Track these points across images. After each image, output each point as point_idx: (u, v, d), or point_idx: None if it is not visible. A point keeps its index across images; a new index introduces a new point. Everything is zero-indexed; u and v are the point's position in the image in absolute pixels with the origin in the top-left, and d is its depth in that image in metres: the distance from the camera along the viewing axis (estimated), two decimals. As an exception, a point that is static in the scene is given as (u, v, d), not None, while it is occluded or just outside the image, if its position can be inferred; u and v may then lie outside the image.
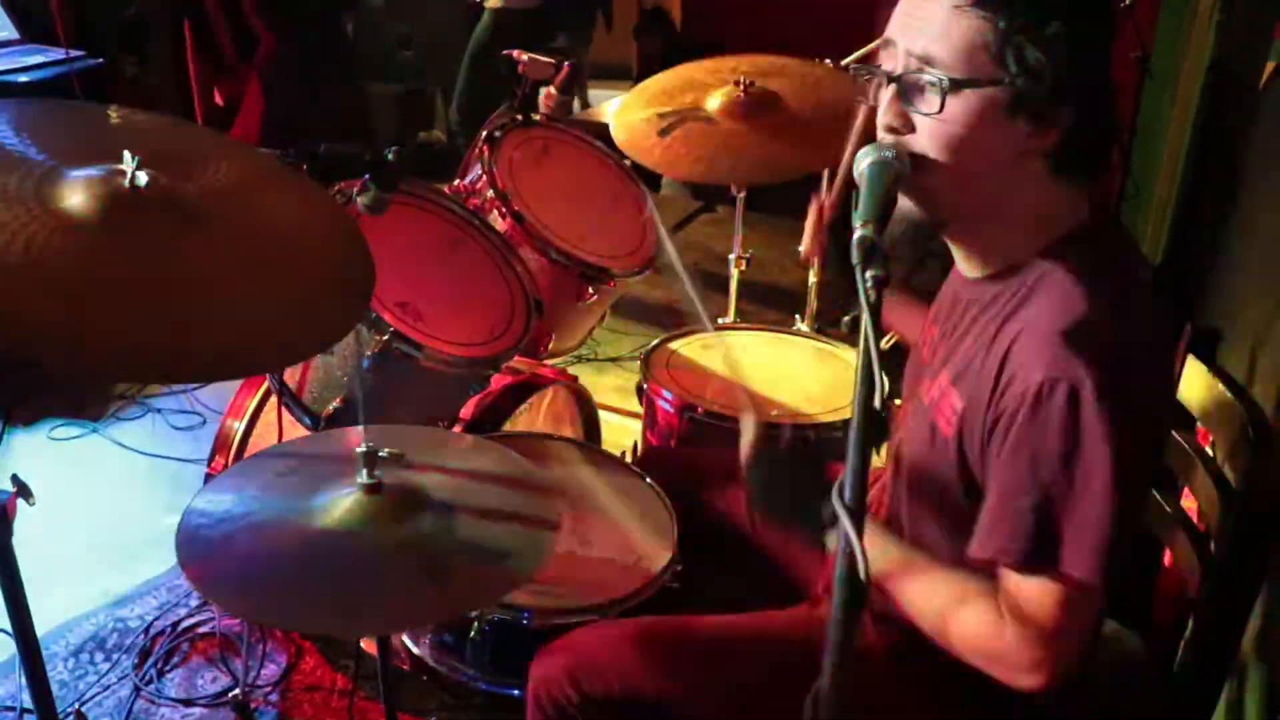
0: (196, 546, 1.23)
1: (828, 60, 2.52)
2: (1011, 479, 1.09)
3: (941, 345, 1.27)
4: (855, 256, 0.89)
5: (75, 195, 1.10)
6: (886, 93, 1.12)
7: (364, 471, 1.28)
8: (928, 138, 1.10)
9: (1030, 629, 1.09)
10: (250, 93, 3.38)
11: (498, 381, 2.09)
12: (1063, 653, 1.09)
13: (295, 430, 1.88)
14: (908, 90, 1.11)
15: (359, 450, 1.28)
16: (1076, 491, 1.05)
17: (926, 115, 1.09)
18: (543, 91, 2.44)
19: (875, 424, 0.84)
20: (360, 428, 1.39)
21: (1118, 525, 1.05)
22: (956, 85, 1.07)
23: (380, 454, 1.29)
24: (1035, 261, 1.14)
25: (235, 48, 3.14)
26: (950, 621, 1.15)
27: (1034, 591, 1.09)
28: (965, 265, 1.24)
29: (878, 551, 1.18)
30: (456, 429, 2.02)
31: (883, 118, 1.13)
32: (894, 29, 1.13)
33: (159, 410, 3.07)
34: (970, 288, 1.23)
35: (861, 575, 0.80)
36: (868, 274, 0.87)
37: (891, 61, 1.13)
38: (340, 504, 1.27)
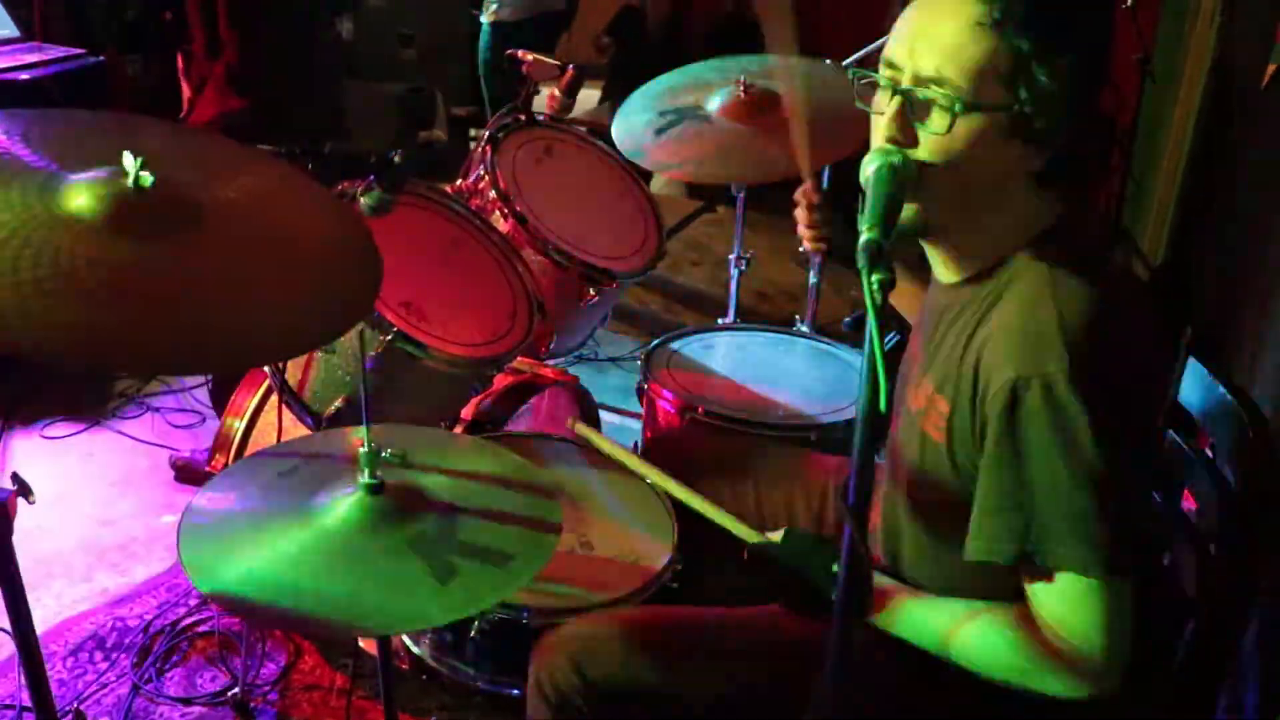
0: (197, 546, 1.23)
1: (828, 60, 2.52)
2: (999, 479, 1.09)
3: (922, 353, 1.28)
4: (861, 260, 0.89)
5: (80, 197, 1.10)
6: (891, 105, 1.11)
7: (366, 472, 1.27)
8: (928, 151, 1.10)
9: (1055, 633, 1.08)
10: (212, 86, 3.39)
11: (499, 382, 2.09)
12: (1101, 651, 1.08)
13: (295, 430, 1.88)
14: (914, 105, 1.11)
15: (362, 451, 1.28)
16: (1067, 483, 1.05)
17: (933, 134, 1.09)
18: (546, 92, 2.45)
19: (878, 425, 0.84)
20: (361, 427, 1.38)
21: (1119, 512, 1.05)
22: (968, 109, 1.07)
23: (383, 455, 1.29)
24: (1007, 262, 1.15)
25: (205, 43, 3.20)
26: (957, 642, 1.16)
27: (1051, 593, 1.08)
28: (942, 271, 1.25)
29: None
30: (458, 429, 2.02)
31: (885, 129, 1.12)
32: (899, 50, 1.11)
33: (158, 409, 3.07)
34: (947, 293, 1.24)
35: (864, 573, 0.80)
36: (873, 278, 0.87)
37: (891, 74, 1.13)
38: (342, 504, 1.27)
